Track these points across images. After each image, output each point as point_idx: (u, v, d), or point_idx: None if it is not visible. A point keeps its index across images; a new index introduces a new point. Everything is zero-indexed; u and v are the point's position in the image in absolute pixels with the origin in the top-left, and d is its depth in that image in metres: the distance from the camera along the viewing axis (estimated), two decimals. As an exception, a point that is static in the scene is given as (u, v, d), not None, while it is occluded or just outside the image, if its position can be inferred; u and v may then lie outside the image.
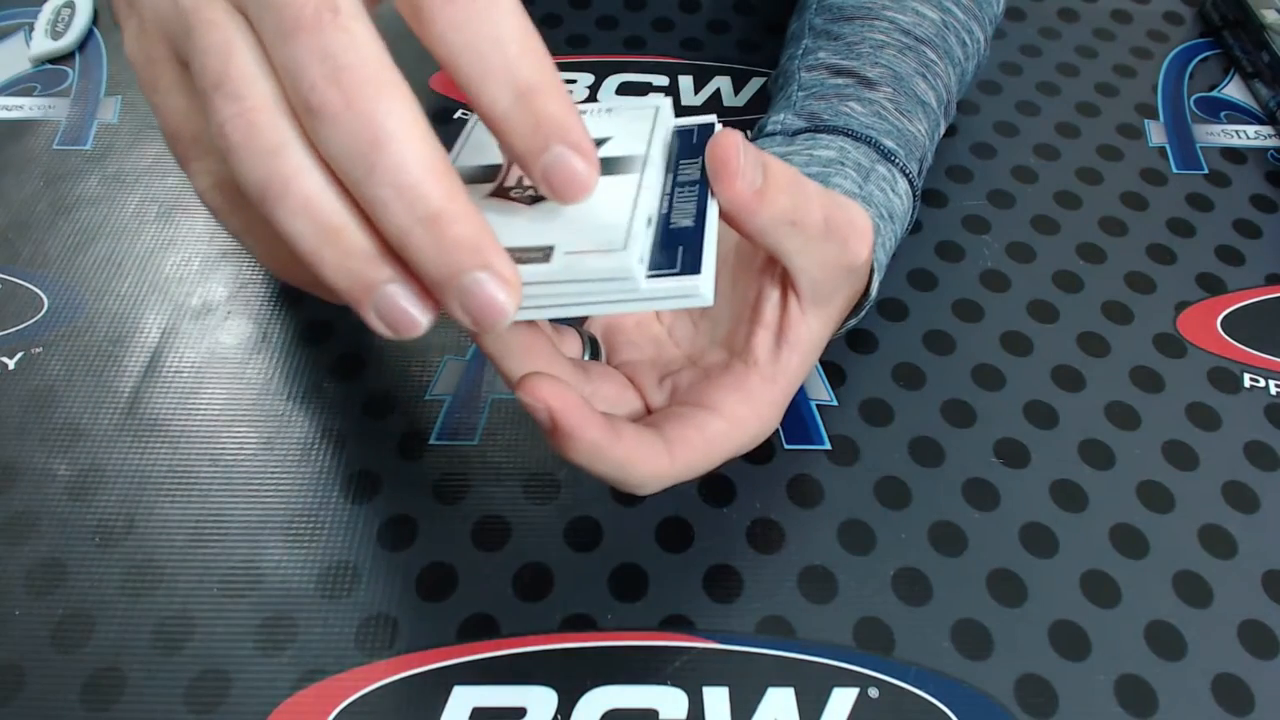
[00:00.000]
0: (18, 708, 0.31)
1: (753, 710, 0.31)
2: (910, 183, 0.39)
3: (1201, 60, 0.55)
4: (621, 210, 0.24)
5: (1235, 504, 0.37)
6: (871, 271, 0.34)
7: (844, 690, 0.32)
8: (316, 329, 0.41)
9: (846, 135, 0.38)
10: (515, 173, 0.25)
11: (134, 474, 0.36)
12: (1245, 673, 0.33)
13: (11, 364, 0.39)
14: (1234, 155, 0.50)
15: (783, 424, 0.38)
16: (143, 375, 0.39)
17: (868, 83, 0.40)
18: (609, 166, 0.25)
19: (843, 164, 0.36)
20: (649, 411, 0.30)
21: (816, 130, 0.38)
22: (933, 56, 0.41)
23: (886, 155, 0.38)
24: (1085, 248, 0.45)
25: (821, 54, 0.42)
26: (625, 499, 0.36)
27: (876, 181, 0.37)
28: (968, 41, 0.44)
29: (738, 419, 0.29)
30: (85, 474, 0.36)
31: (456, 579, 0.34)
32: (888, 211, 0.37)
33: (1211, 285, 0.44)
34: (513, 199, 0.25)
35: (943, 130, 0.43)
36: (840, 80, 0.40)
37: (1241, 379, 0.41)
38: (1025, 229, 0.46)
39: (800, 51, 0.43)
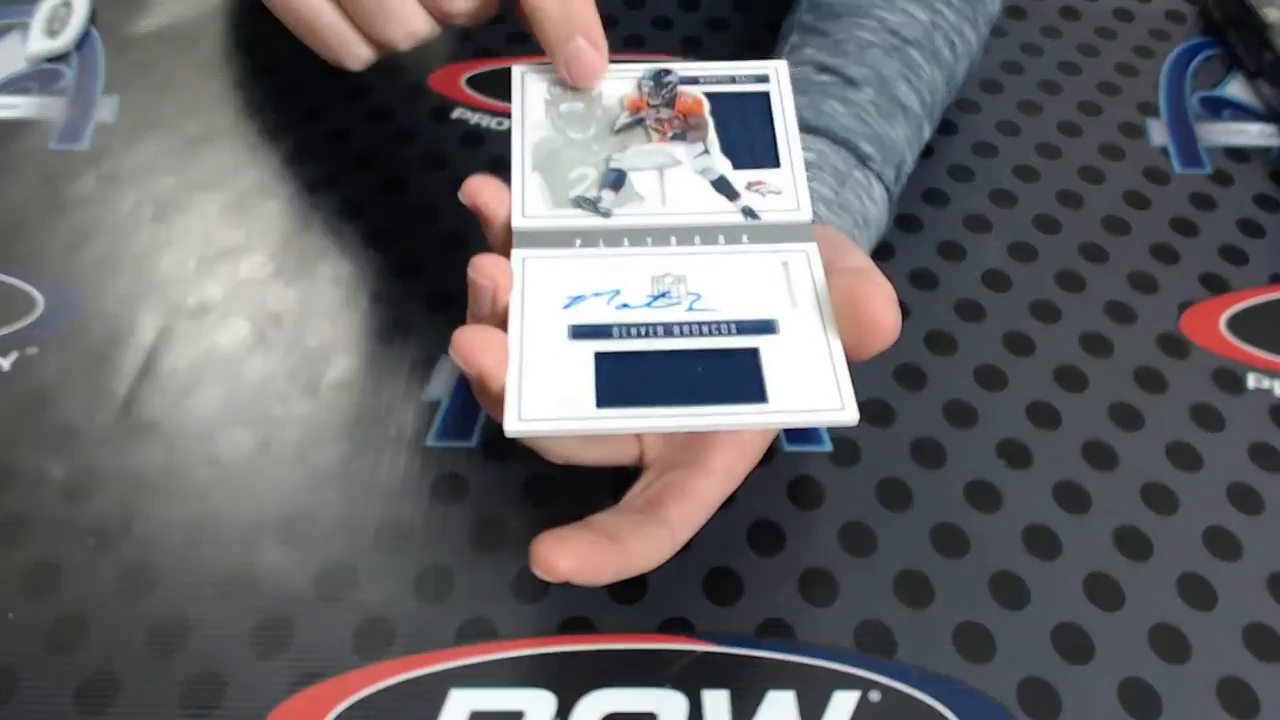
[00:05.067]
0: (11, 711, 0.31)
1: (753, 714, 0.31)
2: (886, 189, 0.39)
3: (1204, 59, 0.55)
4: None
5: (1240, 506, 0.36)
6: None
7: (845, 694, 0.32)
8: (313, 329, 0.41)
9: (826, 137, 0.38)
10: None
11: (130, 475, 0.36)
12: (1250, 676, 0.32)
13: (6, 365, 0.39)
14: (1237, 154, 0.50)
15: (783, 425, 0.38)
16: (139, 376, 0.39)
17: (851, 82, 0.40)
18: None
19: (821, 169, 0.37)
20: (641, 455, 0.32)
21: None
22: (918, 59, 0.42)
23: (863, 160, 0.38)
24: (1088, 247, 0.45)
25: (808, 50, 0.42)
26: (625, 500, 0.36)
27: (853, 188, 0.38)
28: (957, 43, 0.44)
29: (733, 474, 0.31)
30: (80, 475, 0.36)
31: (455, 581, 0.34)
32: (863, 219, 0.38)
33: (1215, 285, 0.44)
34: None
35: (926, 135, 0.43)
36: (825, 77, 0.41)
37: (1245, 379, 0.40)
38: (1027, 228, 0.46)
39: (788, 49, 0.43)
